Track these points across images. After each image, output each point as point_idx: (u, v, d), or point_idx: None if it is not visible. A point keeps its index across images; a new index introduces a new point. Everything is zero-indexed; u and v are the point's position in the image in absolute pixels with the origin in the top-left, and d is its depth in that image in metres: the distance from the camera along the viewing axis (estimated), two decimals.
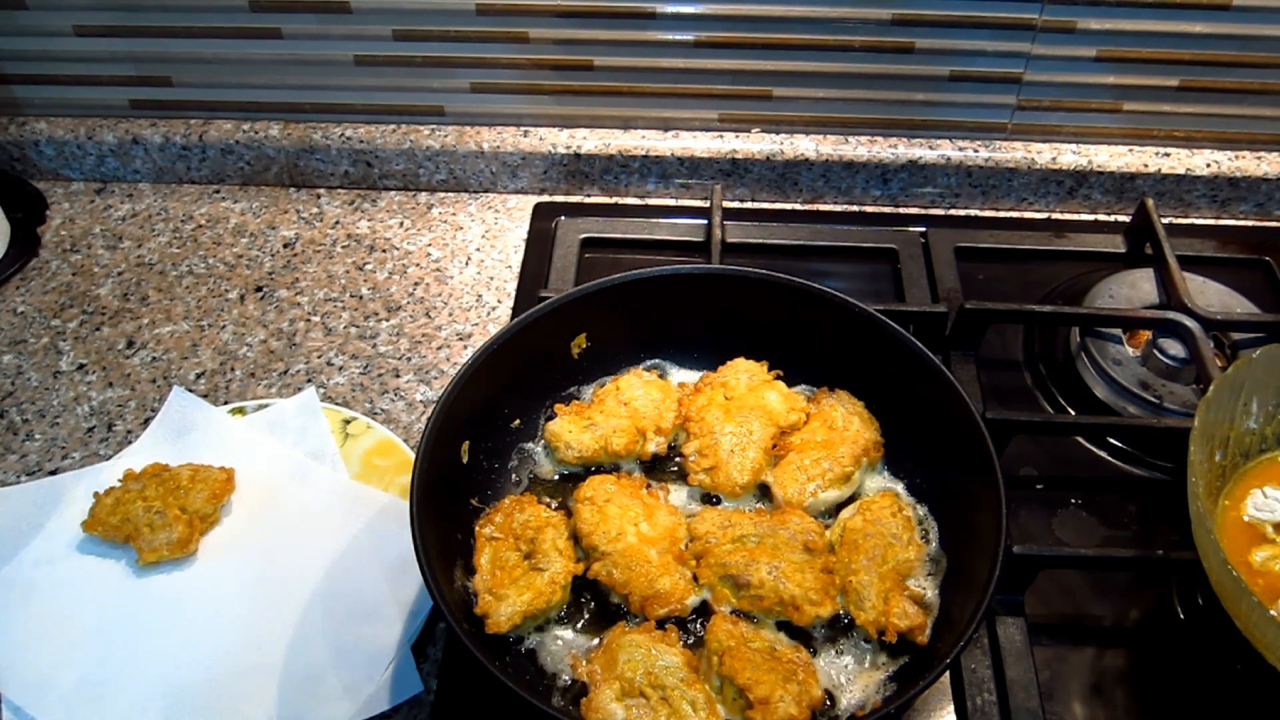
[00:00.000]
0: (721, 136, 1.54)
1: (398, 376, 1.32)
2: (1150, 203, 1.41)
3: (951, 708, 1.00)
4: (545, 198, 1.59)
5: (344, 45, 1.48)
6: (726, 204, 1.52)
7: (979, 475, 0.97)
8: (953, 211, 1.57)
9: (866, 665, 0.97)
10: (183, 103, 1.57)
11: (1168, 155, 1.52)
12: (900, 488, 1.11)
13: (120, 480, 1.15)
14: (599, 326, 1.17)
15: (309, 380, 1.32)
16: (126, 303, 1.43)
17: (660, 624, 0.97)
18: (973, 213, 1.57)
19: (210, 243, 1.52)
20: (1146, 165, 1.51)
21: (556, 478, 1.14)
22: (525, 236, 1.51)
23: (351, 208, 1.57)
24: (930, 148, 1.52)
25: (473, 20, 1.44)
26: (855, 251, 1.46)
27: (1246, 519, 1.05)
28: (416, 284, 1.45)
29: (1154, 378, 1.25)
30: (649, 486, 1.10)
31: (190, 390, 1.27)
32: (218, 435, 1.22)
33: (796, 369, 1.19)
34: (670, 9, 1.42)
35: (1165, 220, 1.46)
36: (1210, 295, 1.34)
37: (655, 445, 1.13)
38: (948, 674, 1.02)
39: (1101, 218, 1.57)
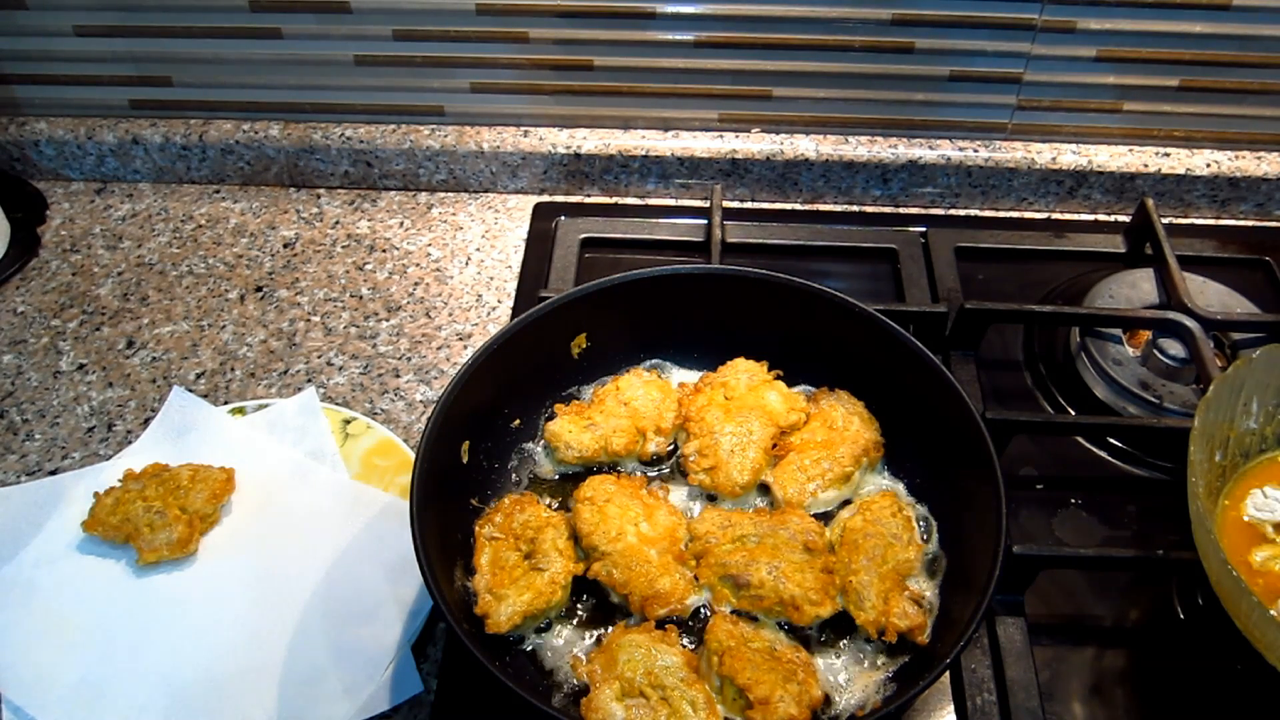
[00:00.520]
0: (721, 136, 1.54)
1: (398, 376, 1.32)
2: (1150, 203, 1.41)
3: (951, 708, 1.00)
4: (545, 198, 1.59)
5: (344, 45, 1.48)
6: (726, 204, 1.52)
7: (979, 475, 0.97)
8: (953, 211, 1.57)
9: (866, 665, 0.97)
10: (183, 103, 1.57)
11: (1168, 155, 1.52)
12: (900, 488, 1.11)
13: (120, 480, 1.15)
14: (599, 326, 1.17)
15: (309, 380, 1.32)
16: (126, 303, 1.43)
17: (660, 624, 0.97)
18: (973, 213, 1.57)
19: (210, 243, 1.52)
20: (1146, 165, 1.51)
21: (556, 478, 1.14)
22: (525, 236, 1.51)
23: (351, 208, 1.57)
24: (930, 148, 1.52)
25: (473, 20, 1.44)
26: (855, 251, 1.46)
27: (1246, 519, 1.05)
28: (416, 284, 1.45)
29: (1154, 378, 1.25)
30: (649, 486, 1.10)
31: (190, 390, 1.27)
32: (218, 435, 1.22)
33: (796, 369, 1.19)
34: (670, 9, 1.42)
35: (1165, 220, 1.46)
36: (1210, 295, 1.34)
37: (655, 445, 1.13)
38: (948, 674, 1.02)
39: (1101, 218, 1.57)
